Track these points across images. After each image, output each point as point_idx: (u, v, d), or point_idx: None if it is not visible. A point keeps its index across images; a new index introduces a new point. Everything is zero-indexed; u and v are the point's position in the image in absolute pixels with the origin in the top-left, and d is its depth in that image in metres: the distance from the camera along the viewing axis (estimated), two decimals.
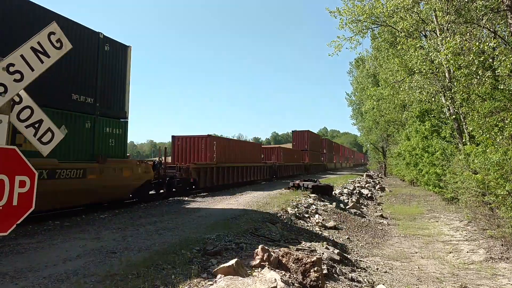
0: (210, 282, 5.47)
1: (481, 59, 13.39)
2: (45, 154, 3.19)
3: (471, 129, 14.98)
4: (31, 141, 3.12)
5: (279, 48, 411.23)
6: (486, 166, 12.21)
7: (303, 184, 22.07)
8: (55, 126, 3.28)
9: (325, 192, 21.20)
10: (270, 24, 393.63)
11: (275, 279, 5.44)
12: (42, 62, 3.11)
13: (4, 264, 6.34)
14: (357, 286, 7.88)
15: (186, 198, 17.91)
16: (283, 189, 22.87)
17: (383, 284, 8.08)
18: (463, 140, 18.17)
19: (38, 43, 3.10)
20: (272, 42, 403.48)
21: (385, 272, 9.74)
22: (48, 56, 3.16)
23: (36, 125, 3.14)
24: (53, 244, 7.97)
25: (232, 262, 5.99)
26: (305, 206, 16.38)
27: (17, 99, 3.05)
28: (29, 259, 6.76)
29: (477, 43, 13.20)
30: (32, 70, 3.03)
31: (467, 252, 12.28)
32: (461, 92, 15.05)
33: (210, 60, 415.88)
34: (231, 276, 5.46)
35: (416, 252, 12.42)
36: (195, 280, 5.54)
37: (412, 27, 19.73)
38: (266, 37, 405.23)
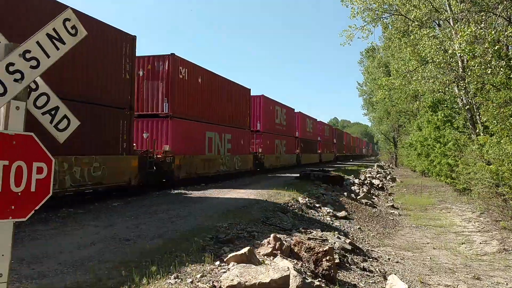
0: (223, 270, 5.50)
1: (496, 48, 13.16)
2: (61, 141, 3.20)
3: (485, 119, 14.78)
4: (47, 128, 3.14)
5: (287, 36, 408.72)
6: (500, 157, 12.08)
7: (314, 174, 22.03)
8: (71, 113, 3.29)
9: (336, 182, 21.17)
10: (280, 12, 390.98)
11: (288, 268, 5.46)
12: (57, 48, 3.11)
13: (21, 250, 6.44)
14: (369, 275, 7.88)
15: (198, 186, 17.98)
16: (293, 178, 22.86)
17: (395, 274, 8.06)
18: (477, 131, 17.96)
19: (54, 29, 3.10)
20: (279, 30, 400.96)
21: (397, 262, 9.73)
22: (64, 43, 3.15)
23: (52, 112, 3.15)
24: (67, 231, 8.07)
25: (245, 250, 6.02)
26: (316, 196, 16.37)
27: (33, 86, 3.05)
28: (44, 245, 6.85)
29: (492, 32, 12.98)
30: (48, 56, 3.03)
31: (480, 243, 12.19)
32: (475, 82, 14.84)
33: (217, 46, 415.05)
34: (244, 264, 5.49)
35: (428, 243, 12.37)
36: (208, 268, 5.58)
37: (425, 16, 19.42)
38: (273, 25, 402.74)
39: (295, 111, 40.79)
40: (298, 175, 23.12)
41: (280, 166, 33.80)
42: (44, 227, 8.43)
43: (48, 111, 3.15)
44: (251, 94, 28.02)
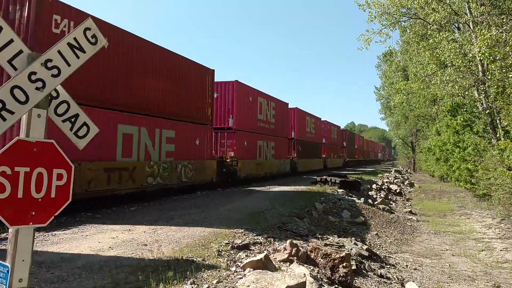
0: (239, 276, 5.51)
1: None
2: (81, 148, 3.26)
3: (505, 123, 14.55)
4: (67, 135, 3.20)
5: (302, 42, 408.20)
6: None
7: (331, 179, 21.91)
8: (90, 120, 3.35)
9: (353, 187, 21.01)
10: (296, 19, 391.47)
11: (304, 274, 5.44)
12: (78, 57, 3.17)
13: (40, 254, 6.54)
14: (386, 282, 7.79)
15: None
16: (310, 183, 22.76)
17: (413, 281, 7.95)
18: (497, 135, 17.66)
19: (74, 38, 3.16)
20: (297, 36, 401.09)
21: (415, 269, 9.59)
22: (84, 52, 3.21)
23: (73, 120, 3.21)
24: (85, 236, 8.17)
25: (261, 256, 6.02)
26: (333, 201, 16.27)
27: (54, 94, 3.12)
28: (63, 249, 6.95)
29: None
30: (69, 65, 3.10)
31: (501, 250, 11.95)
32: (495, 86, 14.61)
33: (230, 55, 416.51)
34: (260, 270, 5.48)
35: (446, 250, 12.17)
36: (224, 273, 5.59)
37: (444, 19, 19.23)
38: (290, 32, 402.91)
39: (290, 106, 32.87)
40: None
41: (264, 175, 26.26)
42: (62, 231, 8.55)
43: (68, 119, 3.21)
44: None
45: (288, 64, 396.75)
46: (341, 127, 61.92)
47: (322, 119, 46.73)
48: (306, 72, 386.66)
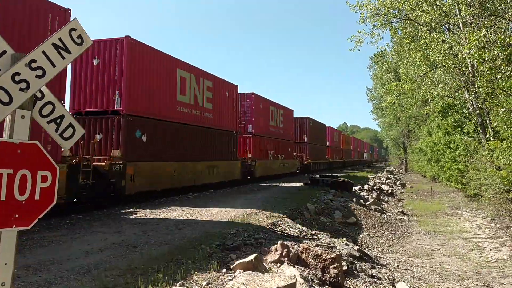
0: (229, 278, 5.49)
1: (506, 52, 13.03)
2: (66, 149, 3.25)
3: (495, 124, 14.63)
4: (52, 136, 3.17)
5: (295, 43, 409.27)
6: (510, 162, 11.93)
7: (322, 179, 21.95)
8: (76, 122, 3.31)
9: (345, 188, 21.06)
10: (286, 21, 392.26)
11: (294, 275, 5.43)
12: (63, 58, 3.14)
13: (28, 256, 6.48)
14: (377, 283, 7.80)
15: (207, 193, 18.01)
16: (301, 184, 22.80)
17: (404, 281, 7.98)
18: (487, 136, 17.77)
19: (60, 39, 3.13)
20: (288, 38, 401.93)
21: (406, 269, 9.62)
22: (70, 52, 3.18)
23: (58, 121, 3.17)
24: (75, 238, 8.11)
25: (251, 257, 5.99)
26: (325, 202, 16.29)
27: (39, 94, 3.08)
28: (52, 252, 6.89)
29: (502, 37, 12.86)
30: (54, 66, 3.06)
31: (491, 249, 12.03)
32: (485, 87, 14.69)
33: (222, 59, 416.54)
34: (250, 272, 5.46)
35: (437, 249, 12.23)
36: (214, 275, 5.56)
37: (434, 20, 19.34)
38: (281, 33, 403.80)
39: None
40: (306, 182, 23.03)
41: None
42: (52, 233, 8.48)
43: (53, 120, 3.17)
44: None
45: (281, 64, 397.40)
46: (307, 116, 42.21)
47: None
48: (298, 72, 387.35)
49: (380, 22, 22.63)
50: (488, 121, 17.53)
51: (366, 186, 26.73)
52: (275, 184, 25.00)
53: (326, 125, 52.76)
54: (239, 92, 24.96)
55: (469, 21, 17.39)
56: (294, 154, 37.02)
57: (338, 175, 30.30)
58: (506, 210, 13.80)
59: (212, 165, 19.93)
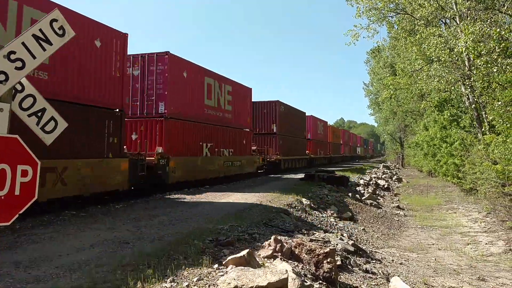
0: (221, 273, 5.43)
1: (502, 46, 12.99)
2: (48, 143, 3.15)
3: (491, 118, 14.60)
4: (33, 130, 3.09)
5: (292, 38, 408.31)
6: (506, 156, 11.90)
7: (318, 174, 21.93)
8: (58, 115, 3.24)
9: (340, 183, 21.05)
10: (283, 14, 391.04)
11: (286, 270, 5.37)
12: (44, 49, 3.06)
13: (19, 253, 6.41)
14: (372, 277, 7.77)
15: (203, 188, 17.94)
16: (297, 179, 22.76)
17: (399, 276, 7.94)
18: (483, 130, 17.77)
19: (40, 30, 3.05)
20: (285, 32, 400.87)
21: (401, 263, 9.60)
22: (51, 44, 3.10)
23: (39, 114, 3.10)
24: (67, 234, 8.03)
25: (244, 253, 5.94)
26: (320, 197, 16.26)
27: (19, 87, 3.01)
28: (43, 248, 6.82)
29: (497, 30, 12.81)
30: (34, 58, 2.99)
31: (486, 243, 12.03)
32: (481, 81, 14.66)
33: (219, 54, 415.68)
34: (242, 267, 5.41)
35: (433, 244, 12.23)
36: (205, 271, 5.51)
37: (431, 14, 19.28)
38: (278, 26, 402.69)
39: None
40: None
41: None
42: (44, 230, 8.40)
43: (34, 113, 3.10)
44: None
45: (276, 60, 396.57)
46: (278, 101, 32.31)
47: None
48: (294, 67, 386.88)
49: (377, 16, 22.59)
50: (484, 115, 17.51)
51: (362, 181, 26.72)
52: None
53: (307, 114, 42.84)
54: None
55: (465, 14, 17.34)
56: (255, 148, 27.81)
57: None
58: (501, 204, 13.79)
59: None
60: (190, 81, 18.62)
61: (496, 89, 13.87)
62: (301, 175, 24.07)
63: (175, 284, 4.95)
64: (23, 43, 2.94)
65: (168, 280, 5.01)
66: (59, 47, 3.19)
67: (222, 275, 5.29)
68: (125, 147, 14.26)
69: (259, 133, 31.04)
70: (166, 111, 16.61)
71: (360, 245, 10.20)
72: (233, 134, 23.38)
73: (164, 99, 16.75)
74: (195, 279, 5.13)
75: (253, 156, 26.82)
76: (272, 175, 28.42)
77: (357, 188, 22.90)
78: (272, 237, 7.17)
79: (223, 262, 5.90)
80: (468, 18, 16.64)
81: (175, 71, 17.45)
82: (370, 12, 22.35)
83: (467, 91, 18.65)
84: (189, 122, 18.48)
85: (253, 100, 27.71)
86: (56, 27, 3.15)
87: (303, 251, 7.11)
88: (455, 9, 17.81)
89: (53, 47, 3.13)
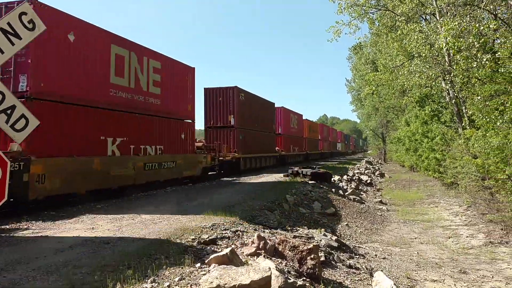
0: (203, 272, 5.35)
1: (481, 41, 13.14)
2: (19, 142, 3.03)
3: (471, 113, 14.79)
4: (3, 128, 2.96)
5: (274, 32, 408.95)
6: (486, 150, 12.06)
7: (302, 171, 21.97)
8: (29, 112, 3.11)
9: (324, 179, 21.09)
10: (264, 10, 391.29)
11: (269, 268, 5.32)
12: (13, 44, 2.94)
13: None
14: (355, 273, 7.79)
15: (185, 186, 17.78)
16: (281, 175, 22.77)
17: (382, 271, 7.97)
18: (463, 124, 18.00)
19: (8, 23, 2.92)
20: (266, 26, 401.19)
21: (384, 258, 9.65)
22: (20, 38, 2.98)
23: (8, 111, 2.97)
24: (46, 235, 7.84)
25: (227, 251, 5.87)
26: (304, 193, 16.27)
27: None
28: (21, 251, 6.63)
29: (476, 25, 12.95)
30: (2, 52, 2.86)
31: (467, 236, 12.20)
32: (461, 76, 14.81)
33: (207, 50, 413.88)
34: (225, 266, 5.34)
35: (415, 238, 12.34)
36: (187, 270, 5.42)
37: (411, 10, 19.45)
38: (259, 21, 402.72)
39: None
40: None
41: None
42: (23, 231, 8.20)
43: (3, 110, 2.97)
44: None
45: (257, 54, 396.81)
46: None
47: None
48: (277, 63, 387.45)
49: (358, 12, 22.66)
50: (464, 110, 17.74)
51: (345, 177, 26.87)
52: None
53: (276, 105, 37.84)
54: None
55: (445, 10, 17.53)
56: (202, 144, 22.94)
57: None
58: (481, 197, 14.00)
59: None
60: (81, 47, 12.72)
61: (475, 84, 14.04)
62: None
63: (156, 284, 4.85)
64: None
65: (149, 280, 4.91)
66: (29, 41, 3.06)
67: (204, 274, 5.22)
68: None
69: (214, 126, 26.50)
70: (29, 88, 11.01)
71: (343, 241, 10.24)
72: (164, 126, 17.43)
73: (26, 71, 11.10)
74: (176, 279, 5.04)
75: (197, 155, 20.77)
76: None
77: (340, 184, 23.01)
78: (255, 234, 7.12)
79: (206, 261, 5.82)
80: (448, 14, 16.82)
81: (49, 30, 8.83)
82: (352, 9, 22.43)
83: (447, 86, 18.87)
84: (78, 106, 12.64)
85: (207, 86, 27.48)
86: (25, 20, 3.03)
87: (287, 247, 7.07)
88: (435, 5, 17.98)
89: (22, 41, 3.02)
